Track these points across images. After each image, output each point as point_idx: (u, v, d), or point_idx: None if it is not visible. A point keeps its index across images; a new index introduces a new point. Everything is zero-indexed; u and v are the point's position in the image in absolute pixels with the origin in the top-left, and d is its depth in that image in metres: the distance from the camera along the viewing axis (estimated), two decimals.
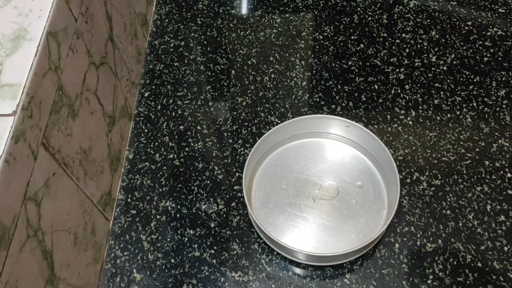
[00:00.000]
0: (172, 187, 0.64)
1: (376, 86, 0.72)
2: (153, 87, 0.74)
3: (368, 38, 0.77)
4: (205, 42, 0.79)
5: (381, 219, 0.58)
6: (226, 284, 0.56)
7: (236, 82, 0.73)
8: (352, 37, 0.77)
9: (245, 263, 0.57)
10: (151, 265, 0.58)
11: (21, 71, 0.40)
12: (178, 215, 0.61)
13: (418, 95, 0.70)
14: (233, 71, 0.75)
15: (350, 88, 0.72)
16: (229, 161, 0.66)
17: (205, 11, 0.83)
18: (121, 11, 0.66)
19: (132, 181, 0.64)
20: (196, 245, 0.59)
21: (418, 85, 0.71)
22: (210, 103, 0.71)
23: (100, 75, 0.57)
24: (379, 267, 0.57)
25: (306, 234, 0.58)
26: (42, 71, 0.42)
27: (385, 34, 0.77)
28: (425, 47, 0.76)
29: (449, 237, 0.58)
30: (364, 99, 0.70)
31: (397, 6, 0.81)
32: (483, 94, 0.70)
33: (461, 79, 0.72)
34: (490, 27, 0.78)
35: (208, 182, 0.64)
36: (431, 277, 0.56)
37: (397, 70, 0.73)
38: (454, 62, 0.74)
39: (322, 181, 0.62)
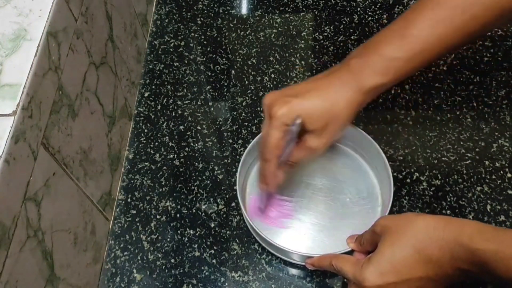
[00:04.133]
0: (172, 187, 0.64)
1: None
2: (153, 87, 0.74)
3: (368, 38, 0.77)
4: (205, 42, 0.79)
5: (376, 216, 0.58)
6: (226, 284, 0.56)
7: (236, 82, 0.73)
8: (352, 37, 0.77)
9: (245, 263, 0.57)
10: (151, 265, 0.58)
11: (21, 71, 0.40)
12: (178, 215, 0.61)
13: (418, 95, 0.70)
14: (233, 71, 0.75)
15: None
16: (229, 161, 0.66)
17: (205, 11, 0.83)
18: (121, 11, 0.66)
19: (132, 181, 0.64)
20: (196, 245, 0.59)
21: (418, 85, 0.71)
22: (210, 103, 0.71)
23: (100, 75, 0.57)
24: None
25: (301, 235, 0.58)
26: (42, 71, 0.42)
27: None
28: None
29: None
30: None
31: (397, 6, 0.81)
32: (483, 94, 0.70)
33: (461, 79, 0.72)
34: None
35: (208, 182, 0.64)
36: None
37: None
38: (454, 62, 0.74)
39: (315, 181, 0.62)
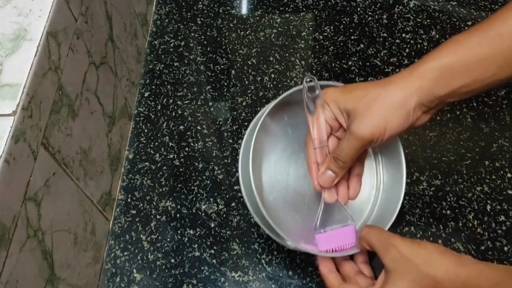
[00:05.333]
0: (172, 187, 0.64)
1: None
2: (153, 87, 0.74)
3: (368, 38, 0.77)
4: (205, 42, 0.79)
5: (379, 217, 0.58)
6: (226, 284, 0.56)
7: (236, 82, 0.73)
8: (352, 37, 0.77)
9: (245, 263, 0.57)
10: (151, 265, 0.58)
11: (21, 71, 0.40)
12: (178, 215, 0.61)
13: None
14: (233, 71, 0.75)
15: None
16: (229, 161, 0.66)
17: (205, 11, 0.83)
18: (121, 11, 0.66)
19: (132, 181, 0.64)
20: (196, 245, 0.59)
21: None
22: (210, 103, 0.71)
23: (100, 75, 0.57)
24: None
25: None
26: (42, 71, 0.42)
27: (385, 34, 0.77)
28: (425, 47, 0.76)
29: (449, 237, 0.58)
30: None
31: (397, 6, 0.81)
32: (483, 94, 0.70)
33: None
34: None
35: (208, 182, 0.64)
36: None
37: (397, 70, 0.73)
38: None
39: None
